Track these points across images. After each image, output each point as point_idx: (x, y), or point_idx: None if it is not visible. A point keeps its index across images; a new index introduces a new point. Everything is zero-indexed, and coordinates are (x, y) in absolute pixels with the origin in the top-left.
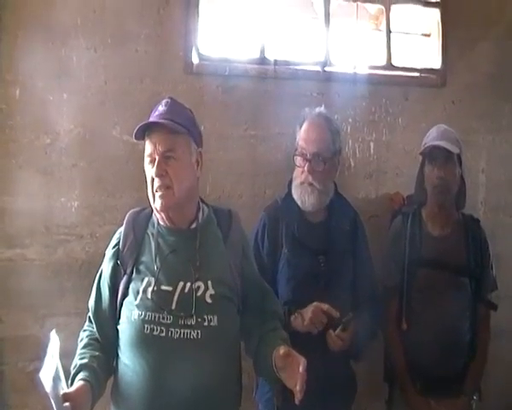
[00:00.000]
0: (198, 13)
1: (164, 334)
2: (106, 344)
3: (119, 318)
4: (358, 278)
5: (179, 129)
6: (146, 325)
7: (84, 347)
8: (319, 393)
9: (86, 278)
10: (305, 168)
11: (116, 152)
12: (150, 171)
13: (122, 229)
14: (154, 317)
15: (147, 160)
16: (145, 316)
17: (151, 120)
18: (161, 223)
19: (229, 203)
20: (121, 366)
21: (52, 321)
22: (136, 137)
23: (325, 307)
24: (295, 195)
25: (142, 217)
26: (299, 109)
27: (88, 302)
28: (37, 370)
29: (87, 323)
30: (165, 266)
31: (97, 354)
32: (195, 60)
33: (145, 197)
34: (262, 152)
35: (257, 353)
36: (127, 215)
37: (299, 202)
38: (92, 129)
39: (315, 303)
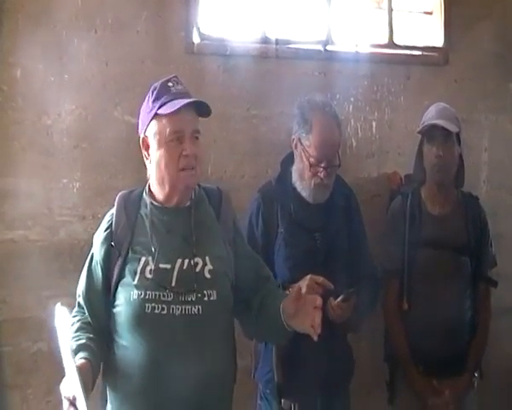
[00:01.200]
0: None
1: (165, 311)
2: (98, 328)
3: (114, 301)
4: (355, 254)
5: (208, 112)
6: (147, 304)
7: (77, 330)
8: (318, 368)
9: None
10: (322, 175)
11: (118, 133)
12: (176, 148)
13: (114, 211)
14: (155, 295)
15: (170, 137)
16: (145, 295)
17: (183, 99)
18: (156, 203)
19: (231, 183)
20: (119, 350)
21: (55, 302)
22: (166, 114)
23: (319, 279)
24: (301, 186)
25: (133, 198)
26: (301, 89)
27: (77, 288)
28: (41, 351)
29: (76, 309)
30: (161, 244)
31: (92, 336)
32: (196, 40)
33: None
34: (264, 132)
35: (259, 316)
36: (117, 197)
37: (304, 194)
38: (94, 110)
39: (309, 276)
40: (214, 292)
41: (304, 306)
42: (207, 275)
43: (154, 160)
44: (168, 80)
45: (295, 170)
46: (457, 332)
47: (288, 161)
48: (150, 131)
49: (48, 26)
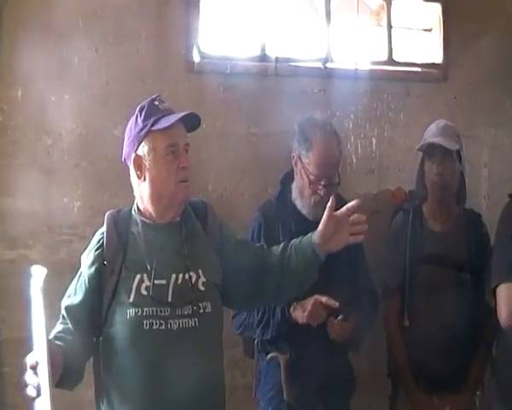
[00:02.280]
0: (199, 11)
1: (163, 327)
2: (81, 340)
3: (106, 321)
4: (354, 271)
5: (197, 126)
6: (145, 321)
7: (58, 332)
8: (319, 385)
9: None
10: (322, 192)
11: (118, 152)
12: (173, 162)
13: (104, 230)
14: (152, 311)
15: (166, 151)
16: (142, 312)
17: (173, 114)
18: (147, 220)
19: (231, 201)
20: (115, 370)
21: (54, 322)
22: (165, 128)
23: (324, 298)
24: (301, 203)
25: (123, 217)
26: (301, 106)
27: (62, 300)
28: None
29: (61, 320)
30: (155, 260)
31: (72, 339)
32: (196, 58)
33: None
34: (264, 150)
35: (284, 277)
36: (106, 217)
37: (304, 212)
38: (94, 129)
39: (315, 296)
40: (209, 304)
41: (339, 223)
42: (201, 288)
43: (150, 176)
44: (153, 99)
45: (295, 187)
46: (458, 349)
47: (288, 178)
48: (143, 149)
49: (48, 45)
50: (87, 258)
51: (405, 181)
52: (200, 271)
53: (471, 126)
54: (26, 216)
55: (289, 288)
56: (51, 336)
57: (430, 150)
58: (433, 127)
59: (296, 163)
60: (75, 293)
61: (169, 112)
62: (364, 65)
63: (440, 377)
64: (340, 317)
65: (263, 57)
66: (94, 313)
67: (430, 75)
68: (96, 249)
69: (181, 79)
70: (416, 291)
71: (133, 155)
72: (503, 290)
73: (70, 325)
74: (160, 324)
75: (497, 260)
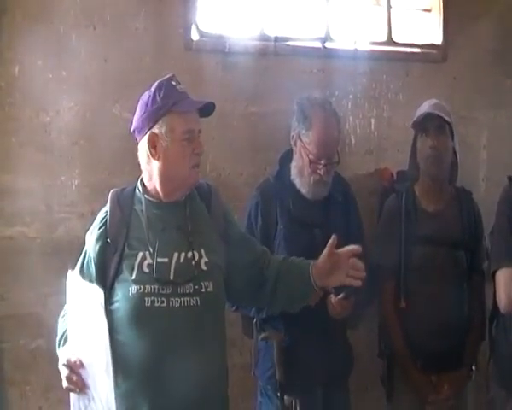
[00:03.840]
0: None
1: (165, 304)
2: None
3: (110, 298)
4: None
5: (210, 113)
6: (146, 298)
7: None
8: (317, 364)
9: None
10: (321, 172)
11: (116, 130)
12: (189, 146)
13: (107, 208)
14: (154, 289)
15: (184, 135)
16: (144, 289)
17: (189, 98)
18: (151, 198)
19: (229, 181)
20: (117, 346)
21: (54, 299)
22: (183, 112)
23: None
24: (300, 183)
25: (126, 195)
26: (300, 86)
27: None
28: (40, 347)
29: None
30: (158, 239)
31: None
32: (195, 37)
33: None
34: (262, 129)
35: (279, 283)
36: (110, 195)
37: (303, 191)
38: (92, 107)
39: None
40: (211, 284)
41: (338, 261)
42: (203, 267)
43: (165, 157)
44: (170, 79)
45: (294, 166)
46: (454, 327)
47: (287, 157)
48: (161, 128)
49: (46, 22)
50: (91, 236)
51: (404, 162)
52: (202, 250)
53: (470, 108)
54: (24, 193)
55: (280, 298)
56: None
57: (424, 124)
58: (424, 105)
59: (295, 142)
60: (83, 272)
61: (186, 95)
62: (364, 45)
63: (437, 355)
64: (341, 295)
65: (262, 36)
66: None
67: (429, 56)
68: (100, 227)
69: (179, 57)
70: (411, 272)
71: (148, 132)
72: (501, 275)
73: None
74: (162, 301)
75: (496, 244)
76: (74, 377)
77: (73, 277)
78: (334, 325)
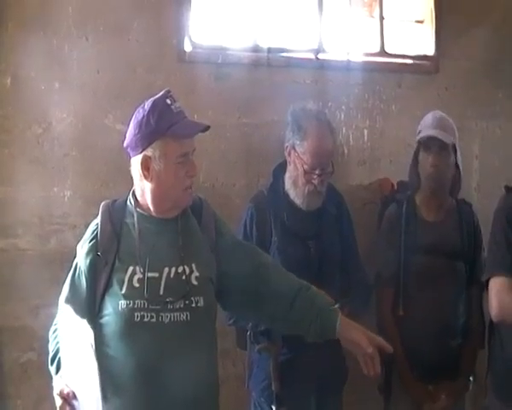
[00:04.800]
0: (190, 0)
1: (154, 320)
2: None
3: (100, 311)
4: (347, 261)
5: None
6: (136, 313)
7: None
8: (312, 376)
9: None
10: (316, 182)
11: (109, 141)
12: (182, 168)
13: (98, 220)
14: (144, 304)
15: (179, 159)
16: (134, 304)
17: (185, 118)
18: (143, 212)
19: (222, 192)
20: (106, 360)
21: (46, 312)
22: (178, 136)
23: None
24: (295, 194)
25: (118, 207)
26: (293, 97)
27: (60, 297)
28: (31, 361)
29: (58, 314)
30: (149, 253)
31: None
32: (188, 48)
33: None
34: (255, 140)
35: (297, 302)
36: (101, 207)
37: (298, 202)
38: (85, 118)
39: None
40: (201, 299)
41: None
42: (194, 282)
43: (157, 179)
44: (165, 96)
45: (288, 177)
46: (452, 337)
47: (280, 169)
48: (154, 152)
49: (38, 33)
50: (82, 249)
51: (397, 172)
52: (193, 265)
53: (462, 118)
54: (16, 205)
55: (291, 318)
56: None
57: (427, 142)
58: (429, 118)
59: (290, 153)
60: (74, 286)
61: (181, 115)
62: (356, 56)
63: (435, 365)
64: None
65: (255, 47)
66: (90, 305)
67: (422, 67)
68: (91, 240)
69: (172, 68)
70: (410, 281)
71: (141, 154)
72: (494, 284)
73: None
74: (151, 316)
75: (491, 253)
76: (67, 408)
77: (66, 307)
78: None
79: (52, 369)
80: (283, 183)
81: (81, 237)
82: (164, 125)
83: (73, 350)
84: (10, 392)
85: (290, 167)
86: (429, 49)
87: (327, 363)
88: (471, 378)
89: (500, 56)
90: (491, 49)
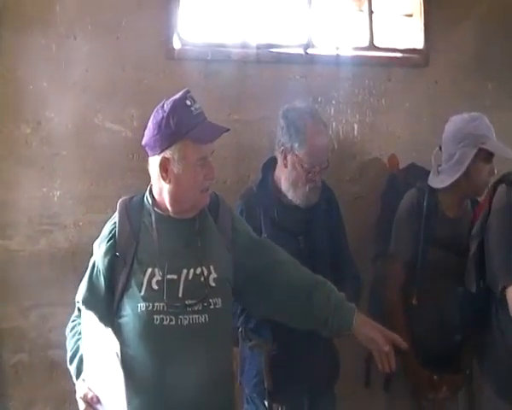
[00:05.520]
0: None
1: (174, 322)
2: None
3: (119, 311)
4: (337, 255)
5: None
6: (155, 316)
7: (81, 333)
8: (303, 372)
9: (70, 267)
10: (317, 178)
11: (99, 140)
12: (201, 171)
13: (116, 219)
14: (163, 307)
15: (198, 162)
16: (153, 307)
17: (205, 121)
18: (161, 212)
19: (213, 189)
20: (125, 358)
21: (36, 312)
22: (205, 141)
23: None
24: (294, 194)
25: (135, 206)
26: (283, 93)
27: (77, 295)
28: (22, 362)
29: (76, 313)
30: (168, 255)
31: None
32: (177, 45)
33: (128, 185)
34: (246, 137)
35: (316, 294)
36: (118, 205)
37: (298, 201)
38: (74, 117)
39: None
40: (219, 300)
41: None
42: (212, 283)
43: (176, 181)
44: (184, 97)
45: (285, 179)
46: (457, 331)
47: (269, 166)
48: (173, 155)
49: (26, 32)
50: (99, 249)
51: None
52: (211, 266)
53: (452, 111)
54: (5, 206)
55: (302, 321)
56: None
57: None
58: (485, 122)
59: (285, 156)
60: (92, 285)
61: (201, 117)
62: (346, 51)
63: (439, 356)
64: None
65: (244, 44)
66: (109, 304)
67: (411, 60)
68: (109, 240)
69: (161, 66)
70: (425, 272)
71: (160, 155)
72: None
73: None
74: (171, 319)
75: (503, 257)
76: None
77: (89, 314)
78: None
79: (72, 368)
80: (273, 179)
81: (71, 237)
82: (184, 129)
83: (97, 356)
84: (1, 393)
85: (287, 169)
86: (418, 42)
87: (319, 359)
88: (467, 372)
89: (489, 49)
90: (480, 42)
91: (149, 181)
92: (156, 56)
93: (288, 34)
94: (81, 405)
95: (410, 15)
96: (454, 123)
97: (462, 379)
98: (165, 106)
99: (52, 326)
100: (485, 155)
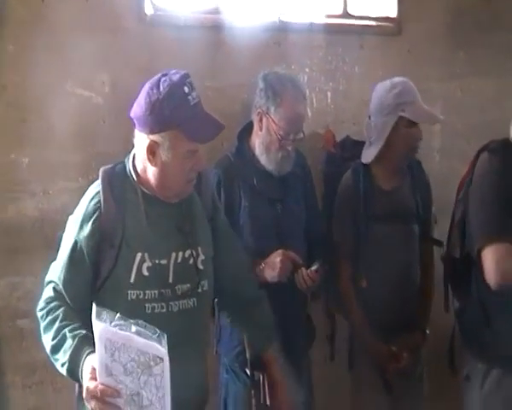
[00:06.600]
0: None
1: (165, 310)
2: (83, 315)
3: (101, 293)
4: (311, 219)
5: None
6: (147, 305)
7: (64, 318)
8: (283, 334)
9: (39, 236)
10: (290, 147)
11: (68, 106)
12: (189, 162)
13: (100, 196)
14: (155, 294)
15: (188, 154)
16: (144, 295)
17: (202, 113)
18: (148, 191)
19: None
20: None
21: (4, 281)
22: (198, 140)
23: (291, 254)
24: (267, 159)
25: (118, 178)
26: (256, 60)
27: (49, 275)
28: None
29: (52, 294)
30: (156, 238)
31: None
32: (149, 11)
33: (100, 152)
34: (219, 104)
35: (248, 315)
36: (101, 177)
37: (270, 168)
38: (42, 82)
39: (281, 251)
40: (206, 282)
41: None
42: (200, 266)
43: (162, 168)
44: (183, 83)
45: (260, 143)
46: (410, 296)
47: (245, 133)
48: (163, 142)
49: None
50: (82, 228)
51: (360, 134)
52: (199, 248)
53: (424, 79)
54: None
55: (236, 323)
56: (74, 330)
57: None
58: (407, 87)
59: (261, 119)
60: (73, 266)
61: (197, 108)
62: (319, 18)
63: (393, 323)
64: (313, 267)
65: (217, 10)
66: (93, 286)
67: (384, 29)
68: (94, 220)
69: (133, 31)
70: (369, 251)
71: (148, 138)
72: (491, 253)
73: (68, 301)
74: (162, 307)
75: (481, 221)
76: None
77: (67, 289)
78: (297, 297)
79: (60, 360)
80: (249, 146)
81: (41, 205)
82: (178, 119)
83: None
84: None
85: (261, 133)
86: (392, 11)
87: (293, 323)
88: (427, 331)
89: (462, 18)
90: (453, 11)
91: (121, 149)
92: (127, 21)
93: (261, 1)
94: (97, 405)
95: None
96: (376, 92)
97: (421, 337)
98: (160, 85)
99: (20, 296)
100: (408, 122)
